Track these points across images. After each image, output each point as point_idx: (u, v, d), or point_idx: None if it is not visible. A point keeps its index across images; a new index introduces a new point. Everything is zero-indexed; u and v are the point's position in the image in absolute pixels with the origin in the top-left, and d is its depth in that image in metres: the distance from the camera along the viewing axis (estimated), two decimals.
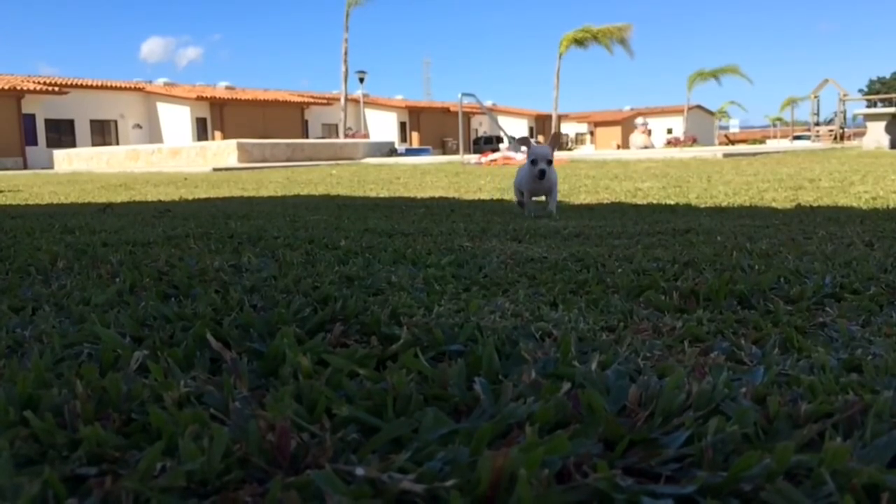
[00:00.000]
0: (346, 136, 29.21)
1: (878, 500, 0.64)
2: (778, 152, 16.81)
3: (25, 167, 25.59)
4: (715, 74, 37.83)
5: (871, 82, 64.09)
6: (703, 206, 4.38)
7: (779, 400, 0.87)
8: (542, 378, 0.98)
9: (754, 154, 15.26)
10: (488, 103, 40.59)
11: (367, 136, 32.88)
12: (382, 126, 40.19)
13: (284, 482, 0.68)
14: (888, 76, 61.80)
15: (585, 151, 31.08)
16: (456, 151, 25.49)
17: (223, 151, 19.96)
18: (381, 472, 0.69)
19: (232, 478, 0.71)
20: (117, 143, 29.63)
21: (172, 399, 0.90)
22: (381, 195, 6.37)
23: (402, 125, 41.09)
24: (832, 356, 1.11)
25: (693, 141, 30.94)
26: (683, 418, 0.83)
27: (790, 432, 0.80)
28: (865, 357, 1.09)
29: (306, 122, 36.81)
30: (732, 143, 37.40)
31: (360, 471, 0.69)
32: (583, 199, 5.45)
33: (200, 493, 0.68)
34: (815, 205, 4.22)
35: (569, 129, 48.90)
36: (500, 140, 26.58)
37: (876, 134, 16.69)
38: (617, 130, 45.11)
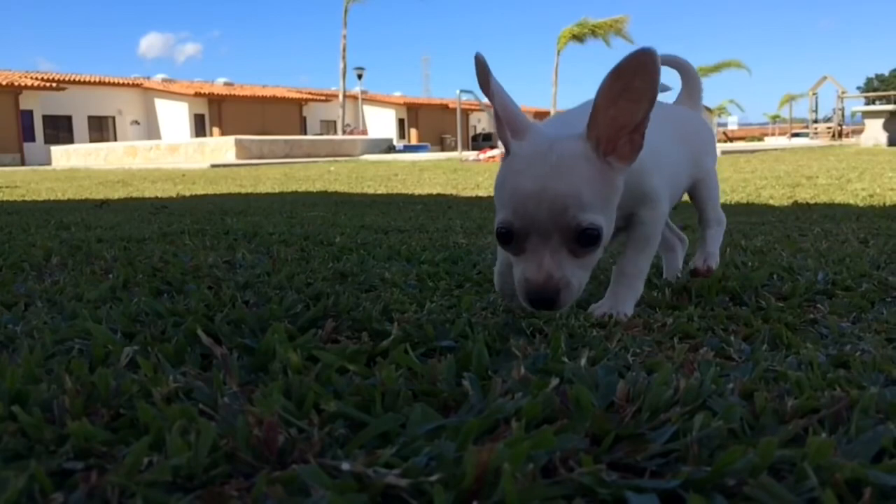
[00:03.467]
0: (344, 132, 29.19)
1: (861, 495, 0.64)
2: (776, 150, 16.82)
3: (23, 163, 25.55)
4: (717, 68, 37.64)
5: (869, 80, 64.10)
6: None
7: (766, 395, 0.88)
8: (531, 374, 0.98)
9: (752, 151, 15.26)
10: (486, 100, 40.56)
11: (365, 132, 32.85)
12: (381, 123, 40.16)
13: (270, 477, 0.68)
14: (887, 73, 61.77)
15: None
16: (454, 148, 25.47)
17: (221, 148, 19.96)
18: (367, 467, 0.69)
19: (218, 472, 0.71)
20: (115, 140, 29.59)
21: (161, 394, 0.90)
22: (379, 192, 6.36)
23: (401, 122, 41.07)
24: (821, 352, 1.11)
25: None
26: (670, 414, 0.83)
27: (776, 428, 0.80)
28: (854, 353, 1.10)
29: (304, 118, 36.80)
30: (731, 140, 37.40)
31: (345, 465, 0.69)
32: None
33: (186, 487, 0.68)
34: (811, 202, 4.23)
35: None
36: None
37: (874, 131, 16.70)
38: None
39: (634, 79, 1.06)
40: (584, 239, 1.09)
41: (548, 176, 1.08)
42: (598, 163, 1.12)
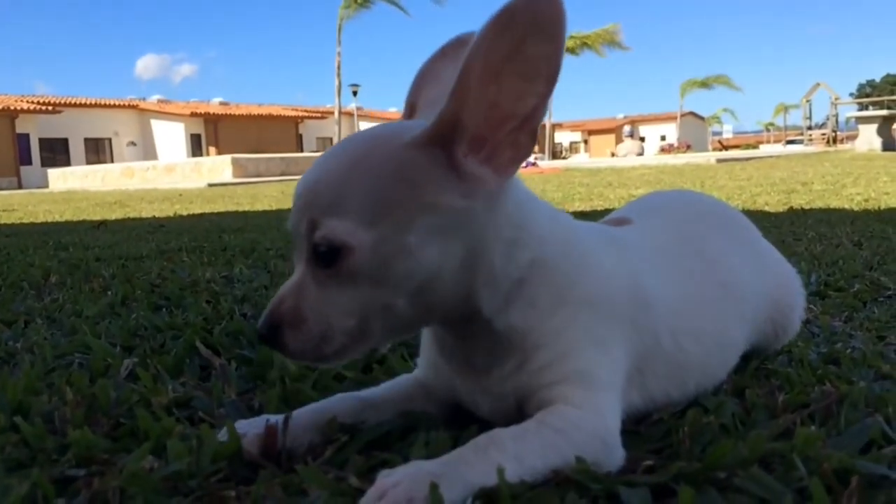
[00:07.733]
0: None
1: (849, 485, 0.65)
2: (771, 157, 16.86)
3: (20, 187, 25.58)
4: (707, 83, 37.85)
5: (861, 86, 64.39)
6: None
7: (756, 392, 0.89)
8: None
9: (748, 159, 15.32)
10: None
11: None
12: None
13: (270, 480, 0.69)
14: (878, 80, 62.11)
15: (579, 160, 31.16)
16: None
17: (218, 167, 19.99)
18: (366, 472, 0.70)
19: (220, 476, 0.72)
20: (112, 161, 29.62)
21: (160, 404, 0.91)
22: None
23: None
24: (812, 350, 1.13)
25: (687, 147, 31.05)
26: (662, 412, 0.84)
27: (767, 422, 0.82)
28: (845, 350, 1.11)
29: (301, 136, 36.84)
30: (726, 148, 37.51)
31: (353, 480, 0.68)
32: (577, 206, 5.48)
33: (186, 491, 0.69)
34: (807, 207, 4.24)
35: (563, 137, 49.03)
36: None
37: (868, 136, 16.74)
38: (611, 138, 45.12)
39: (530, 39, 0.63)
40: (321, 255, 0.70)
41: (317, 164, 0.75)
42: (427, 164, 0.69)
